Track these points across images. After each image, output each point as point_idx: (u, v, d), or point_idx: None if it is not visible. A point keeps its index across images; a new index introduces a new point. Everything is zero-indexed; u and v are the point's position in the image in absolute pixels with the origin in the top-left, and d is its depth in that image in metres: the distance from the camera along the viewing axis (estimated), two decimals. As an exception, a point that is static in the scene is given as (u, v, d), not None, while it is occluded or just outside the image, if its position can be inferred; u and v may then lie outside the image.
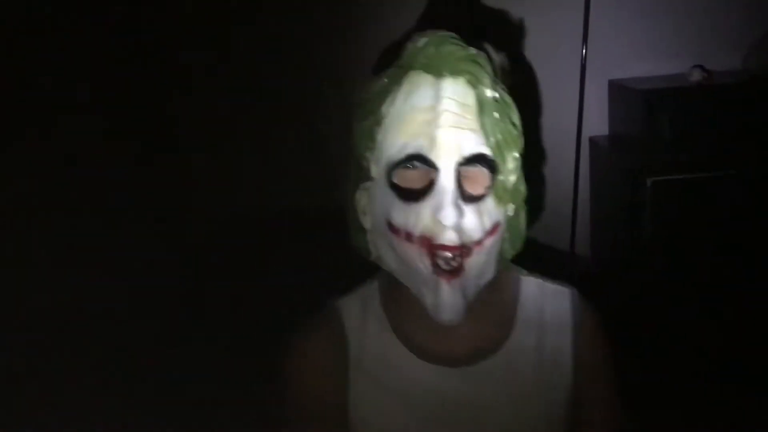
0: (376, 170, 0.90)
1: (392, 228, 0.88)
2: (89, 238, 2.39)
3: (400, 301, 0.97)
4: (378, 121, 0.89)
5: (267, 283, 2.49)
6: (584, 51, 2.56)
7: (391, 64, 0.92)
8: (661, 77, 2.65)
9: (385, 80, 0.90)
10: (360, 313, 1.00)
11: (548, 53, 2.67)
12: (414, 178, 0.86)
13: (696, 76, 2.49)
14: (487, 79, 0.87)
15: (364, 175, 0.92)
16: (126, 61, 2.59)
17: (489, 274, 0.92)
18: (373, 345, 0.98)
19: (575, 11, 2.54)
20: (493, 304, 0.97)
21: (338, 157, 1.09)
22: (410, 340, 0.96)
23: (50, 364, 2.21)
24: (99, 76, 2.52)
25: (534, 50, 2.67)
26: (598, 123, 2.79)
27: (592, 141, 2.80)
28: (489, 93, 0.87)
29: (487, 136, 0.87)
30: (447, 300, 0.86)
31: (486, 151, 0.87)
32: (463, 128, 0.85)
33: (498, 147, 0.88)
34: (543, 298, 1.02)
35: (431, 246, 0.85)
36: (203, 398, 2.13)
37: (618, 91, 2.71)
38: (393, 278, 0.94)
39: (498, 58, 0.91)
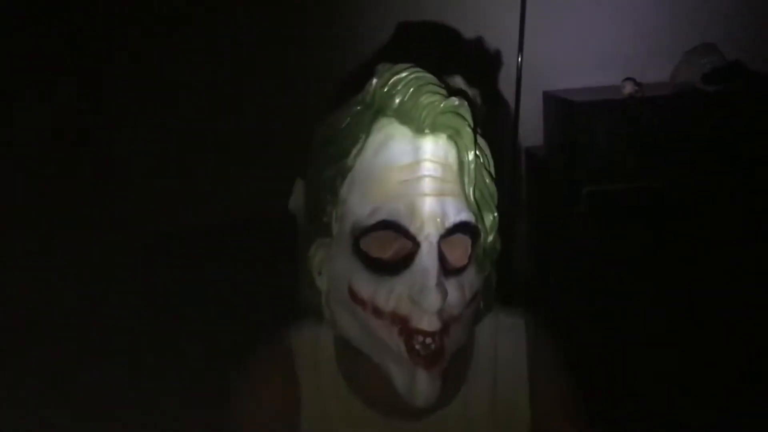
0: (338, 229, 0.78)
1: (356, 299, 0.76)
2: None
3: (356, 361, 0.86)
4: (343, 174, 0.77)
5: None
6: (520, 61, 2.58)
7: (351, 94, 0.80)
8: (594, 89, 2.69)
9: (349, 120, 0.78)
10: (312, 357, 0.92)
11: (483, 64, 2.68)
12: (386, 247, 0.75)
13: (628, 88, 2.53)
14: (469, 135, 0.76)
15: (323, 230, 0.80)
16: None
17: (463, 341, 0.82)
18: (324, 391, 0.90)
19: (511, 23, 2.56)
20: (454, 357, 0.85)
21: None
22: (365, 392, 0.89)
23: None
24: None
25: (469, 61, 2.67)
26: (533, 133, 2.81)
27: (528, 151, 2.82)
28: (470, 151, 0.76)
29: (467, 199, 0.77)
30: (423, 387, 0.75)
31: (469, 218, 0.77)
32: (445, 195, 0.75)
33: (478, 208, 0.78)
34: (497, 335, 0.95)
35: (407, 328, 0.74)
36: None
37: (552, 102, 2.74)
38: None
39: (471, 91, 0.80)
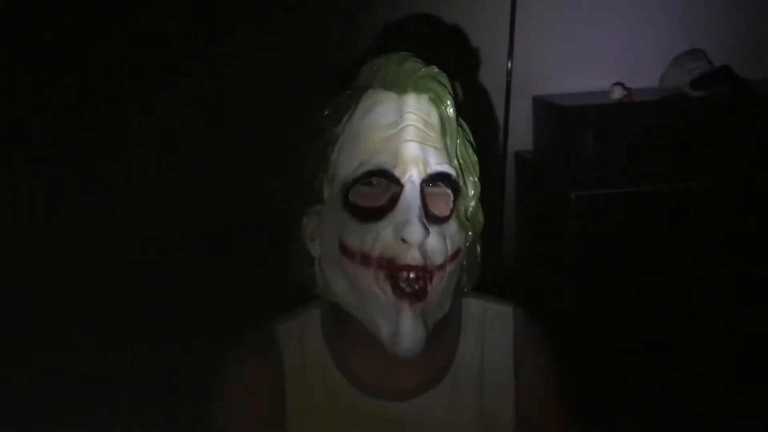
0: (329, 191, 0.84)
1: (345, 251, 0.80)
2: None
3: (346, 335, 0.89)
4: (332, 141, 0.83)
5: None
6: (510, 66, 2.59)
7: (345, 86, 0.87)
8: (583, 94, 2.71)
9: (341, 99, 0.85)
10: (298, 342, 0.92)
11: (474, 68, 2.70)
12: (373, 195, 0.80)
13: (617, 93, 2.55)
14: (449, 99, 0.82)
15: (314, 198, 0.86)
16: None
17: (446, 307, 0.86)
18: (312, 377, 0.90)
19: (501, 27, 2.57)
20: (439, 333, 0.87)
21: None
22: (354, 374, 0.90)
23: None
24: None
25: (459, 66, 2.68)
26: (523, 138, 2.83)
27: (518, 155, 2.84)
28: (452, 113, 0.83)
29: (450, 156, 0.83)
30: (408, 327, 0.77)
31: (450, 171, 0.82)
32: (427, 145, 0.81)
33: (460, 170, 0.84)
34: (485, 321, 0.97)
35: (393, 267, 0.78)
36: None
37: (542, 106, 2.75)
38: (337, 309, 0.86)
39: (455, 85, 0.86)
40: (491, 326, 0.97)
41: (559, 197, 2.41)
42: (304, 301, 0.96)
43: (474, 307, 0.98)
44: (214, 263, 2.52)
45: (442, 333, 0.90)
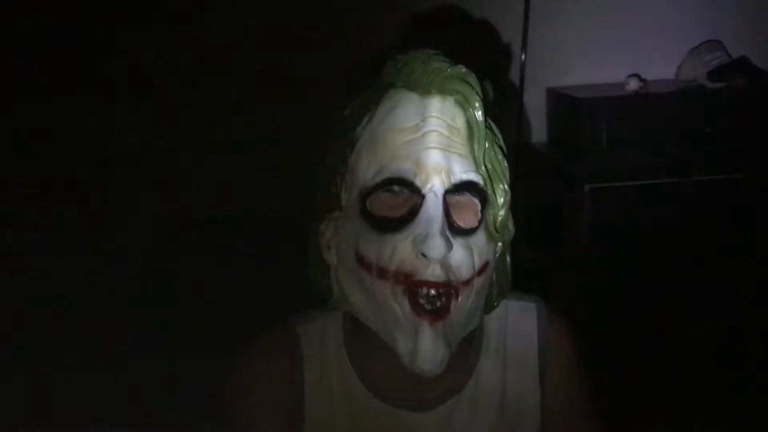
0: (347, 198, 0.79)
1: (362, 262, 0.75)
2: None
3: (365, 341, 0.84)
4: (351, 143, 0.78)
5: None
6: (524, 58, 2.57)
7: (368, 85, 0.81)
8: (598, 85, 2.68)
9: (362, 98, 0.79)
10: (319, 344, 0.88)
11: (488, 60, 2.68)
12: (392, 205, 0.74)
13: (633, 84, 2.52)
14: (477, 102, 0.76)
15: (332, 204, 0.80)
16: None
17: (475, 322, 0.80)
18: (332, 380, 0.87)
19: (515, 19, 2.55)
20: (463, 340, 0.81)
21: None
22: (372, 381, 0.86)
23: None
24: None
25: (473, 57, 2.66)
26: (537, 129, 2.81)
27: (532, 147, 2.82)
28: (480, 116, 0.76)
29: (477, 163, 0.76)
30: (427, 347, 0.72)
31: (477, 179, 0.75)
32: (452, 152, 0.74)
33: (489, 177, 0.77)
34: (507, 321, 0.91)
35: (411, 283, 0.72)
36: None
37: (556, 98, 2.73)
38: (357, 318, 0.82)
39: (483, 82, 0.79)
40: (513, 326, 0.92)
41: (573, 189, 2.40)
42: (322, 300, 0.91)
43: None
44: (231, 256, 2.52)
45: (464, 341, 0.83)
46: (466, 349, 0.87)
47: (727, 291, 2.33)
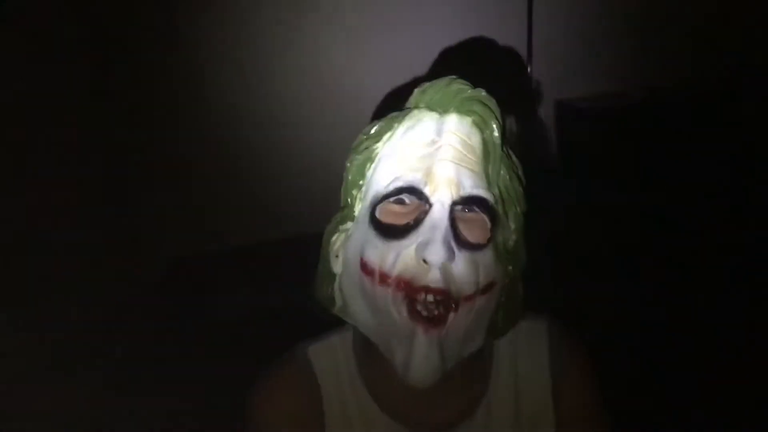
0: (361, 208, 0.80)
1: (365, 268, 0.75)
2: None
3: (375, 360, 0.83)
4: (371, 157, 0.80)
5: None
6: (530, 71, 2.60)
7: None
8: (604, 94, 2.70)
9: (386, 120, 0.81)
10: (332, 366, 0.89)
11: (495, 74, 2.70)
12: (400, 213, 0.75)
13: (639, 95, 2.54)
14: (495, 124, 0.77)
15: (347, 216, 0.82)
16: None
17: (476, 343, 0.79)
18: (347, 402, 0.88)
19: (519, 35, 2.59)
20: (472, 362, 0.81)
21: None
22: (386, 402, 0.86)
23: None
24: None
25: (481, 71, 2.68)
26: (544, 140, 2.83)
27: (540, 158, 2.83)
28: (497, 140, 0.77)
29: (489, 182, 0.77)
30: (421, 355, 0.72)
31: (487, 196, 0.76)
32: (464, 166, 0.76)
33: (501, 199, 0.78)
34: (518, 342, 0.91)
35: (411, 289, 0.72)
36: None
37: (563, 109, 2.75)
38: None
39: (507, 119, 0.80)
40: (524, 347, 0.91)
41: (582, 200, 2.41)
42: (333, 323, 0.91)
43: None
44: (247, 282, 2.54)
45: (473, 362, 0.83)
46: (478, 372, 0.88)
47: (746, 291, 2.33)
